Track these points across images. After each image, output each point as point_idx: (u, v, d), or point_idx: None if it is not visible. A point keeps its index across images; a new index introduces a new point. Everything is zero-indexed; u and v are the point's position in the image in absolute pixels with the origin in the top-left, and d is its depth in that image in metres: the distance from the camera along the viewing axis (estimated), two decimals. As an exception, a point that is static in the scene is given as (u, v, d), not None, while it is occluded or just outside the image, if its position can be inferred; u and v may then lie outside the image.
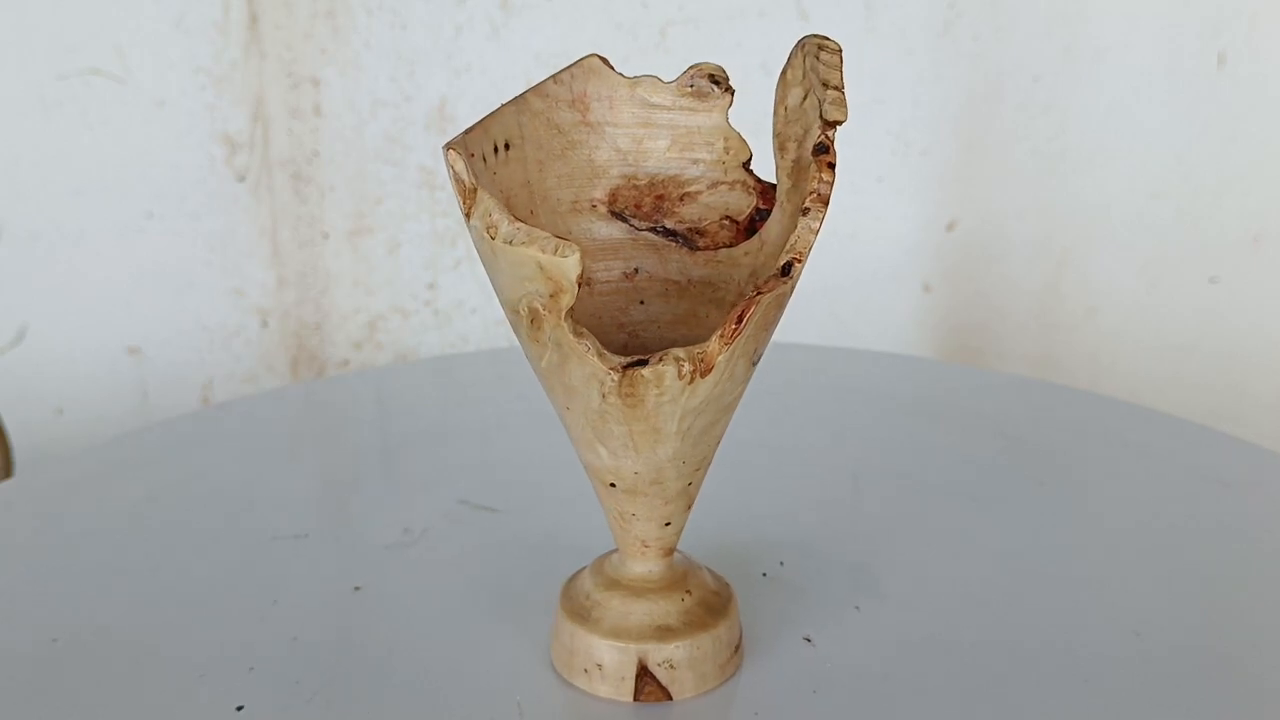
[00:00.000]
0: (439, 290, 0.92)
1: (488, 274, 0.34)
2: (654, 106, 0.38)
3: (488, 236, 0.31)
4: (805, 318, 0.95)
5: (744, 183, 0.39)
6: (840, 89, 0.34)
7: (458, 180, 0.32)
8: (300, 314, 0.91)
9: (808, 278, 1.07)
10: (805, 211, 0.33)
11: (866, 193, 0.95)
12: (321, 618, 0.44)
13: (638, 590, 0.39)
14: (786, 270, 0.33)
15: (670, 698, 0.38)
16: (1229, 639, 0.43)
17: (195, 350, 0.90)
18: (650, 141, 0.39)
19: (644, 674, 0.38)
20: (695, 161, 0.39)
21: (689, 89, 0.39)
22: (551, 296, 0.32)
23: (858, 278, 0.97)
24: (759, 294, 0.32)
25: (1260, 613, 0.44)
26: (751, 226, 0.39)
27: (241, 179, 0.87)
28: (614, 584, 0.39)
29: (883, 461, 0.57)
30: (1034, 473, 0.55)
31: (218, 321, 0.90)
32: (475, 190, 0.32)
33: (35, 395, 0.87)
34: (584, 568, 0.41)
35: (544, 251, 0.31)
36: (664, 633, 0.38)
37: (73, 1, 0.80)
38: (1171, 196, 0.97)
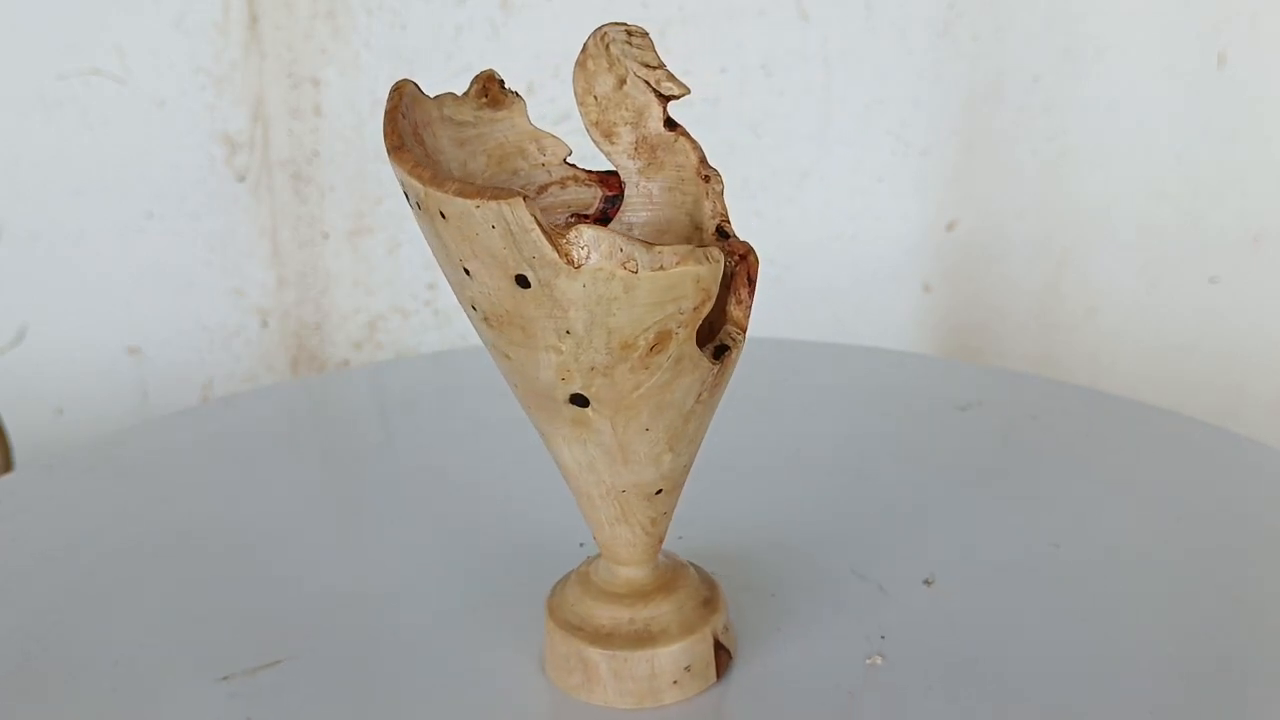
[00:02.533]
0: (439, 290, 0.92)
1: (561, 337, 0.32)
2: (461, 124, 0.37)
3: (624, 271, 0.30)
4: (805, 318, 0.95)
5: (574, 178, 0.39)
6: (663, 67, 0.36)
7: (559, 238, 0.30)
8: (300, 314, 0.91)
9: (808, 278, 1.07)
10: (707, 179, 0.36)
11: (866, 193, 0.95)
12: (318, 619, 0.44)
13: (626, 594, 0.38)
14: (724, 234, 0.35)
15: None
16: (1228, 638, 0.43)
17: (195, 350, 0.90)
18: (472, 163, 0.37)
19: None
20: (515, 172, 0.38)
21: (484, 100, 0.38)
22: (695, 309, 0.32)
23: (858, 278, 0.97)
24: (743, 258, 0.33)
25: (1260, 612, 0.44)
26: (605, 215, 0.39)
27: (241, 179, 0.87)
28: (601, 590, 0.39)
29: (882, 459, 0.57)
30: (1035, 470, 0.55)
31: (218, 321, 0.90)
32: (583, 228, 0.30)
33: (35, 395, 0.87)
34: (571, 572, 0.41)
35: (699, 263, 0.31)
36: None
37: (73, 1, 0.80)
38: (1171, 196, 0.97)
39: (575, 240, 0.30)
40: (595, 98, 0.37)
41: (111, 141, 0.84)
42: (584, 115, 0.37)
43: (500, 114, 0.38)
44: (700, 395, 0.34)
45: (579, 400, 0.34)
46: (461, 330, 0.94)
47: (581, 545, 0.47)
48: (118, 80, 0.82)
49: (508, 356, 0.34)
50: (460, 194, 0.30)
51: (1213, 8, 0.91)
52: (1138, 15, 0.92)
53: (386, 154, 0.32)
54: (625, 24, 0.36)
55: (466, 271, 0.32)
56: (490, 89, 0.37)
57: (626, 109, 0.37)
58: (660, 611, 0.38)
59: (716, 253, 0.31)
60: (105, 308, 0.87)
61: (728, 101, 0.90)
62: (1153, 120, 0.94)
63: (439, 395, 0.68)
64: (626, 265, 0.30)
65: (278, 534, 0.50)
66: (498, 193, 0.30)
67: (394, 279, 0.91)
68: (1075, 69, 0.93)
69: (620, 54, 0.36)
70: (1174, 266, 0.98)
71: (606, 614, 0.38)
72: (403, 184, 0.32)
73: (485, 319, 0.33)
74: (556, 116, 0.88)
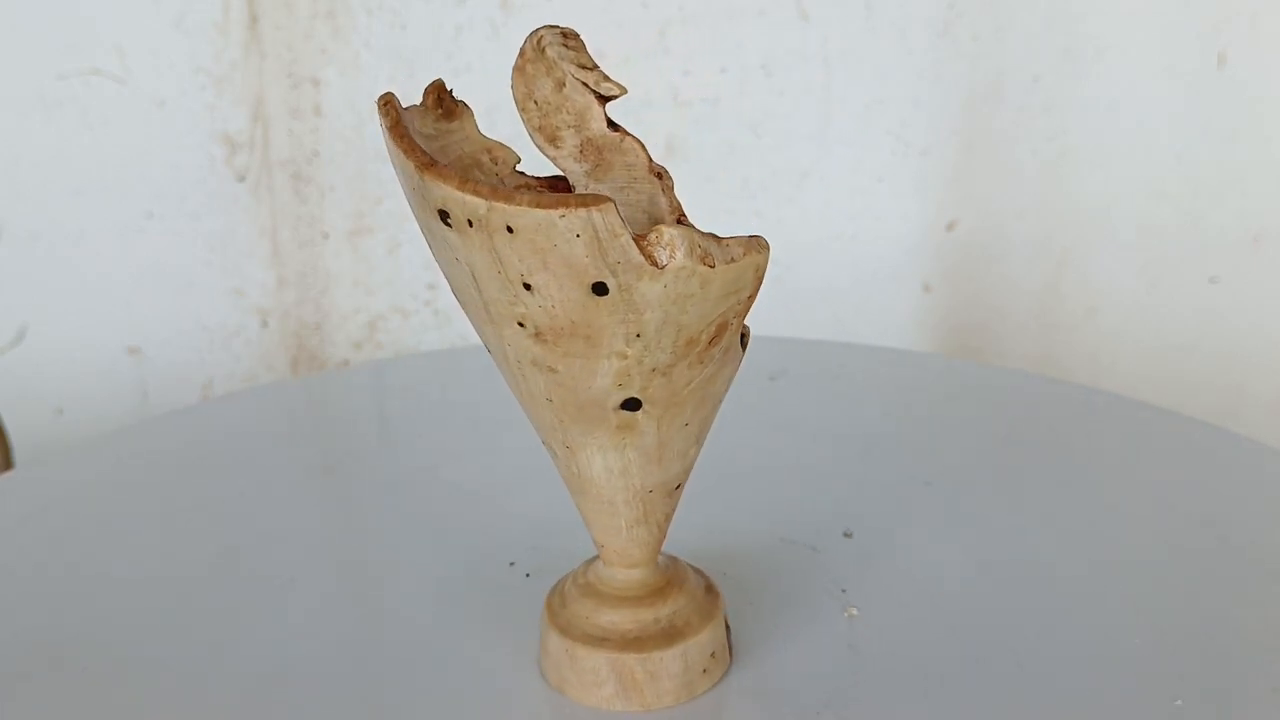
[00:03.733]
0: (439, 290, 0.92)
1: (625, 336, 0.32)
2: (427, 137, 0.36)
3: (703, 267, 0.30)
4: (805, 318, 0.95)
5: (526, 185, 0.38)
6: (598, 68, 0.36)
7: (651, 246, 0.30)
8: (300, 314, 0.91)
9: (808, 278, 1.07)
10: (660, 176, 0.37)
11: (866, 193, 0.95)
12: (316, 619, 0.44)
13: (605, 594, 0.38)
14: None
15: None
16: (1227, 639, 0.43)
17: (195, 350, 0.90)
18: None
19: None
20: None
21: (440, 111, 0.37)
22: (750, 298, 0.32)
23: (858, 278, 0.97)
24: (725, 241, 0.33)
25: (1260, 613, 0.44)
26: None
27: (241, 179, 0.87)
28: (587, 583, 0.39)
29: (881, 458, 0.57)
30: (1035, 469, 0.55)
31: (218, 321, 0.90)
32: (663, 228, 0.30)
33: (35, 395, 0.87)
34: (568, 574, 0.41)
35: (759, 251, 0.31)
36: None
37: (73, 1, 0.80)
38: (1171, 196, 0.97)
39: (657, 240, 0.30)
40: (535, 102, 0.36)
41: (111, 141, 0.84)
42: (526, 121, 0.36)
43: (454, 124, 0.37)
44: (730, 384, 0.35)
45: (631, 404, 0.33)
46: (462, 330, 0.94)
47: (512, 564, 0.47)
48: (118, 80, 0.82)
49: (554, 370, 0.33)
50: (538, 205, 0.29)
51: (1213, 8, 0.91)
52: (1138, 15, 0.92)
53: (409, 173, 0.30)
54: (559, 26, 0.36)
55: (527, 287, 0.30)
56: (444, 99, 0.37)
57: (567, 112, 0.36)
58: (679, 606, 0.38)
59: (764, 240, 0.31)
60: (105, 308, 0.87)
61: (728, 101, 0.90)
62: (1153, 120, 0.94)
63: (438, 394, 0.68)
64: (705, 260, 0.30)
65: (276, 533, 0.50)
66: (585, 199, 0.29)
67: (394, 279, 0.91)
68: (1075, 69, 0.93)
69: (557, 56, 0.35)
70: (1174, 266, 0.98)
71: (631, 618, 0.38)
72: (442, 203, 0.30)
73: (536, 335, 0.32)
74: (556, 116, 0.88)
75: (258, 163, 0.87)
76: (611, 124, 0.36)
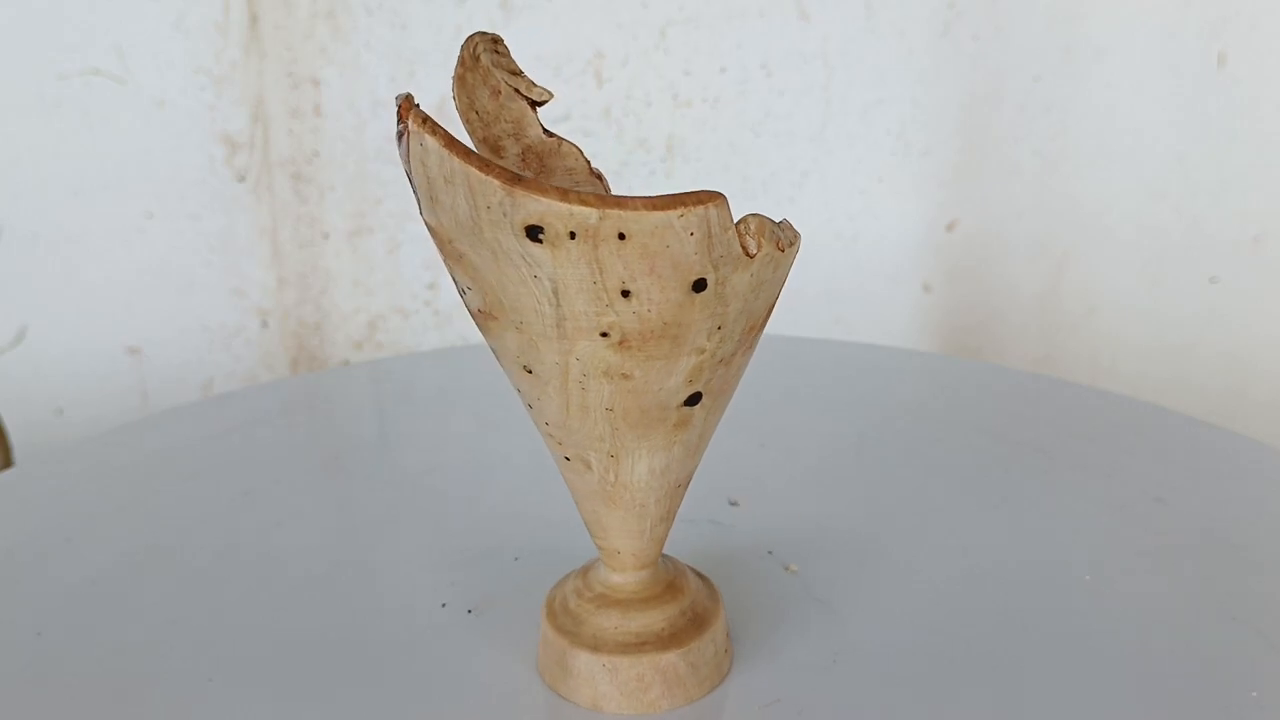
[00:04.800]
0: (439, 290, 0.92)
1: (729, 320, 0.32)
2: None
3: (777, 252, 0.30)
4: (806, 317, 0.95)
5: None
6: (524, 74, 0.35)
7: (753, 232, 0.30)
8: (300, 314, 0.91)
9: (808, 278, 1.07)
10: (600, 178, 0.37)
11: (867, 193, 0.95)
12: (315, 618, 0.44)
13: (624, 600, 0.38)
14: None
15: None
16: (1227, 640, 0.43)
17: (195, 350, 0.90)
18: None
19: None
20: None
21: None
22: (783, 281, 0.33)
23: (858, 278, 0.97)
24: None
25: (1260, 615, 0.44)
26: None
27: (241, 179, 0.87)
28: (599, 594, 0.38)
29: (881, 457, 0.57)
30: (1034, 469, 0.55)
31: (218, 321, 0.90)
32: (748, 217, 0.30)
33: (35, 395, 0.87)
34: (568, 575, 0.40)
35: (797, 234, 0.32)
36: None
37: (73, 1, 0.80)
38: (1171, 196, 0.97)
39: (746, 230, 0.30)
40: (477, 113, 0.35)
41: (111, 141, 0.84)
42: (470, 133, 0.36)
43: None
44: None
45: (693, 399, 0.33)
46: (462, 330, 0.94)
47: (516, 559, 0.47)
48: (118, 80, 0.82)
49: (628, 377, 0.32)
50: (654, 208, 0.29)
51: (1213, 8, 0.91)
52: (1138, 15, 0.92)
53: (487, 191, 0.29)
54: (489, 33, 0.35)
55: (624, 294, 0.30)
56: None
57: (506, 120, 0.35)
58: (694, 596, 0.39)
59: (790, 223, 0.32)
60: (105, 308, 0.87)
61: (728, 101, 0.90)
62: (1153, 120, 0.94)
63: (438, 394, 0.68)
64: (779, 245, 0.30)
65: (275, 533, 0.50)
66: (698, 197, 0.29)
67: (394, 279, 0.91)
68: (1075, 69, 0.93)
69: (490, 63, 0.35)
70: (1174, 266, 0.98)
71: (661, 616, 0.38)
72: (538, 218, 0.29)
73: (620, 343, 0.31)
74: (556, 116, 0.89)
75: (258, 163, 0.87)
76: (546, 130, 0.36)
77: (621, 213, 0.28)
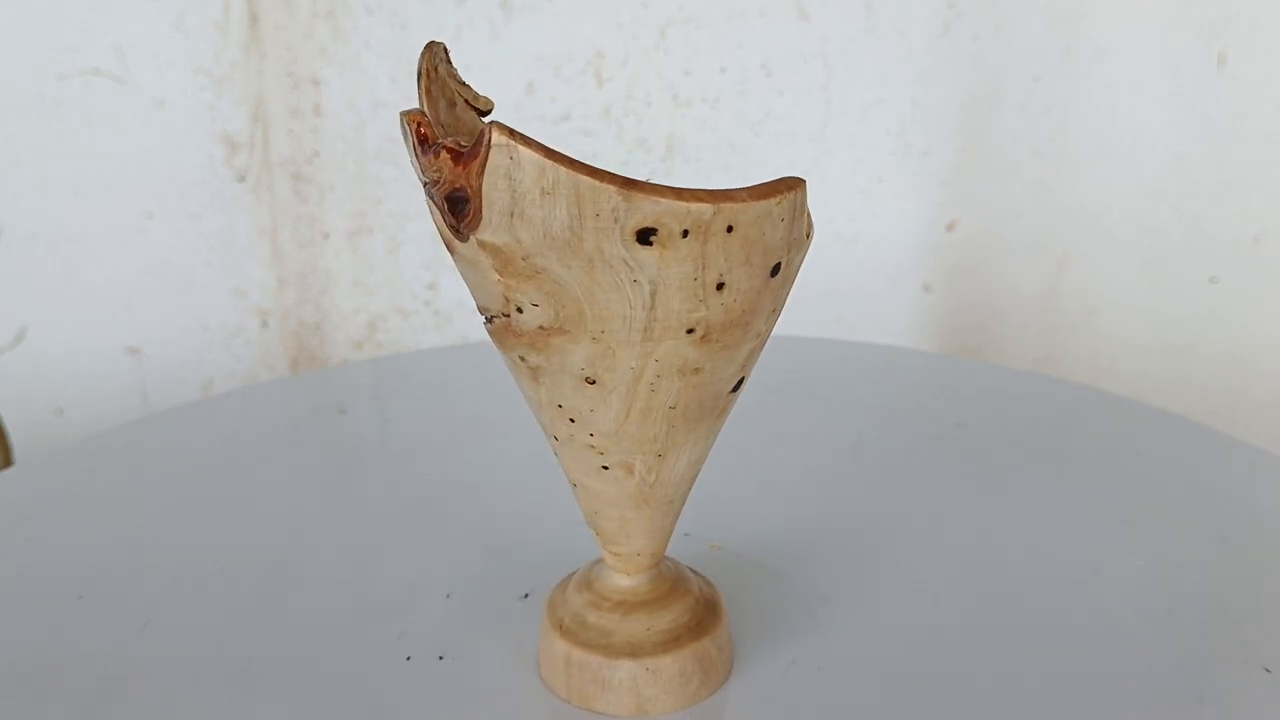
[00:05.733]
0: (439, 290, 0.92)
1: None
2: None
3: (806, 238, 0.31)
4: (806, 317, 0.95)
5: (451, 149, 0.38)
6: (467, 84, 0.35)
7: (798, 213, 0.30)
8: (300, 314, 0.91)
9: (808, 278, 1.08)
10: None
11: (867, 193, 0.95)
12: (314, 618, 0.44)
13: (644, 601, 0.38)
14: None
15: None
16: (1226, 642, 0.43)
17: (195, 350, 0.90)
18: None
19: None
20: None
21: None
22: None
23: (858, 278, 0.97)
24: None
25: (1260, 616, 0.44)
26: None
27: (241, 179, 0.87)
28: (618, 601, 0.38)
29: (882, 458, 0.57)
30: (1033, 470, 0.55)
31: (218, 321, 0.90)
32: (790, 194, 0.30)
33: (35, 395, 0.87)
34: (570, 576, 0.40)
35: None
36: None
37: (73, 1, 0.80)
38: (1171, 196, 0.97)
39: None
40: (442, 126, 0.34)
41: (111, 141, 0.84)
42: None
43: None
44: None
45: (738, 385, 0.33)
46: (462, 331, 0.94)
47: (527, 597, 0.47)
48: (118, 80, 0.82)
49: (699, 370, 0.32)
50: (757, 197, 0.29)
51: (1213, 8, 0.91)
52: (1138, 15, 0.92)
53: (597, 198, 0.28)
54: (438, 41, 0.34)
55: (719, 287, 0.30)
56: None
57: (462, 131, 0.35)
58: (700, 589, 0.39)
59: None
60: (105, 308, 0.87)
61: (728, 101, 0.90)
62: (1153, 120, 0.94)
63: (438, 392, 0.68)
64: (810, 219, 0.31)
65: (274, 532, 0.50)
66: (789, 183, 0.29)
67: (394, 279, 0.91)
68: (1075, 69, 0.93)
69: (445, 73, 0.34)
70: (1174, 266, 0.98)
71: (684, 608, 0.38)
72: (654, 220, 0.28)
73: (703, 337, 0.31)
74: (557, 116, 0.89)
75: (258, 163, 0.87)
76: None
77: (732, 205, 0.29)
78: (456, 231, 0.30)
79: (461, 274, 0.32)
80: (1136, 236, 0.98)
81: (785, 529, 0.50)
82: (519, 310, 0.31)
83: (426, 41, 0.34)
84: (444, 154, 0.29)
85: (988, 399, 0.66)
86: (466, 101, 0.34)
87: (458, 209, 0.29)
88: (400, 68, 0.86)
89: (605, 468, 0.35)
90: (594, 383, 0.32)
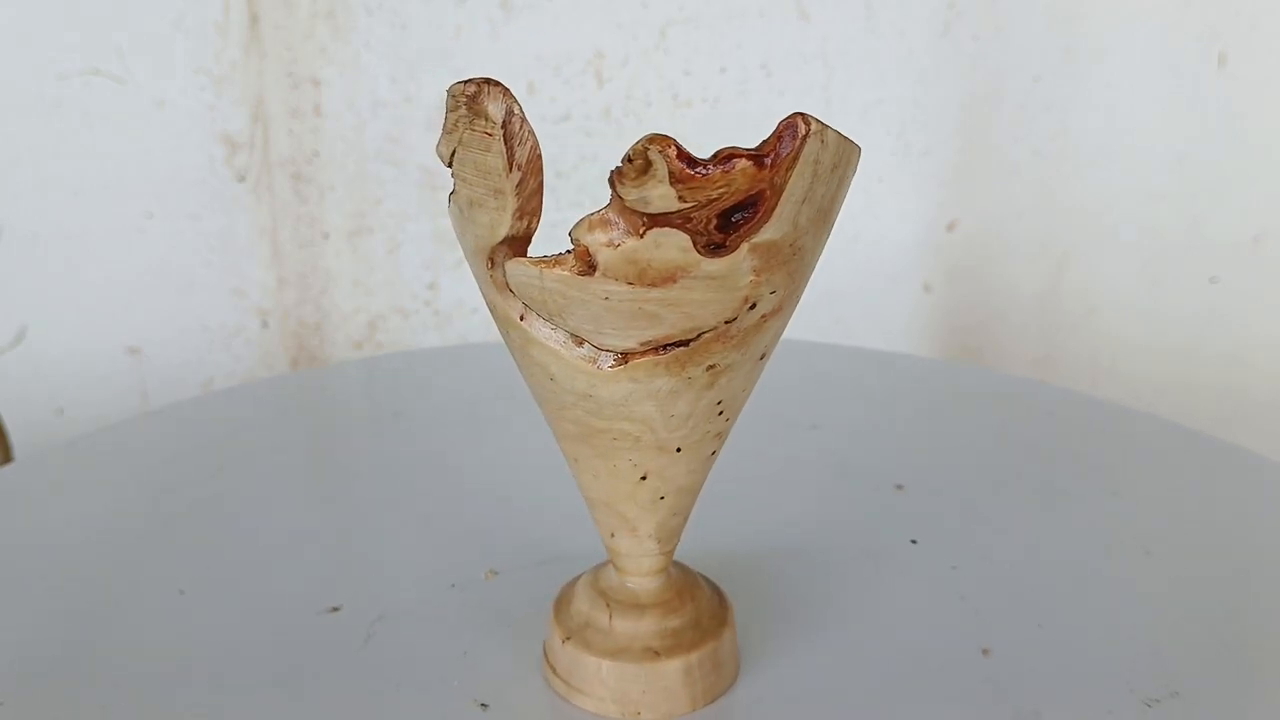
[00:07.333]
0: (439, 290, 0.92)
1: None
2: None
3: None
4: (806, 318, 0.95)
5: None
6: None
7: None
8: (300, 314, 0.91)
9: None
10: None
11: (867, 193, 0.95)
12: (314, 617, 0.44)
13: (664, 601, 0.38)
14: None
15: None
16: (1230, 644, 0.43)
17: (195, 350, 0.90)
18: None
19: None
20: None
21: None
22: None
23: (858, 278, 0.97)
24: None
25: (1259, 618, 0.44)
26: None
27: (241, 179, 0.87)
28: (609, 600, 0.38)
29: (883, 460, 0.57)
30: (1033, 474, 0.55)
31: (218, 321, 0.90)
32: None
33: (35, 395, 0.87)
34: (576, 579, 0.40)
35: None
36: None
37: (73, 1, 0.80)
38: (1171, 196, 0.97)
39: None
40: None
41: (111, 142, 0.84)
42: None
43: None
44: None
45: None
46: (462, 331, 0.94)
47: (516, 560, 0.47)
48: (118, 80, 0.82)
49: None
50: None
51: (1213, 8, 0.91)
52: (1138, 15, 0.92)
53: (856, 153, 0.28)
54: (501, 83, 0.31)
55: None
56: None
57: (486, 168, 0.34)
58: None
59: None
60: (105, 308, 0.87)
61: (728, 101, 0.90)
62: (1153, 120, 0.94)
63: (439, 391, 0.68)
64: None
65: (275, 530, 0.50)
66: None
67: (394, 279, 0.91)
68: (1075, 69, 0.93)
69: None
70: (1174, 266, 0.98)
71: (693, 612, 0.38)
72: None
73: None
74: (557, 117, 0.88)
75: (258, 163, 0.87)
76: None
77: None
78: (716, 249, 0.28)
79: (648, 314, 0.29)
80: (1137, 237, 0.98)
81: (785, 530, 0.50)
82: (751, 307, 0.30)
83: (485, 86, 0.31)
84: (743, 162, 0.28)
85: (987, 404, 0.66)
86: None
87: (728, 220, 0.28)
88: (400, 68, 0.86)
89: (631, 467, 0.34)
90: (764, 357, 0.32)
